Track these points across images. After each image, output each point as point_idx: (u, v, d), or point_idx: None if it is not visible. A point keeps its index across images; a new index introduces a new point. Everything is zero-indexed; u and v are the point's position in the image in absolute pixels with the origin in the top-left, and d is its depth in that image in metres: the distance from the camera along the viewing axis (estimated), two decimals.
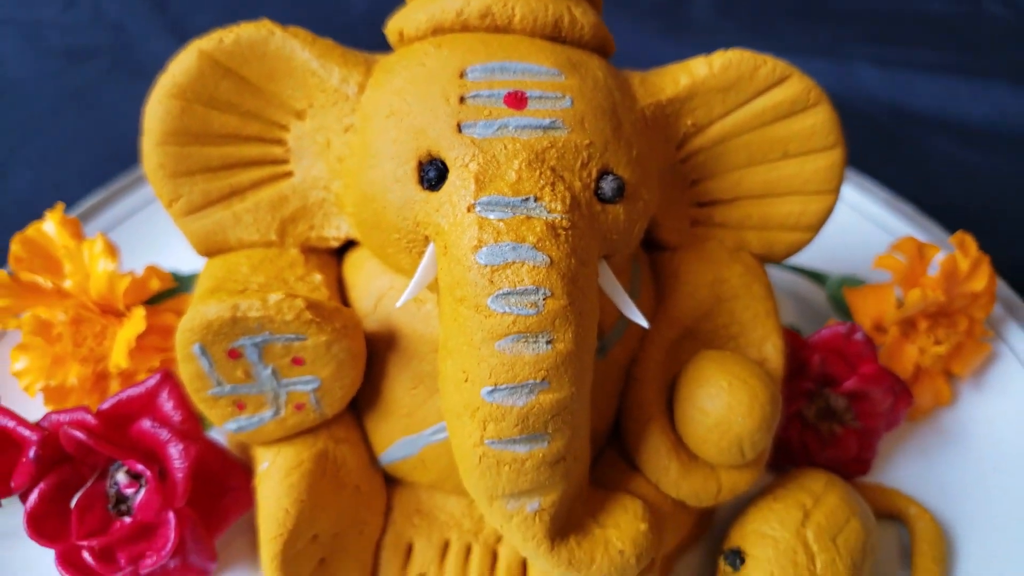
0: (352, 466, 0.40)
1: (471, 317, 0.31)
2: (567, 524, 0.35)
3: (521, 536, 0.34)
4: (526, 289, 0.31)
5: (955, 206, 0.50)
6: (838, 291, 0.53)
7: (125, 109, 0.78)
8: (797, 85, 0.40)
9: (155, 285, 0.45)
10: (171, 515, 0.37)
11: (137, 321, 0.43)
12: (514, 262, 0.31)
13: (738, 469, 0.39)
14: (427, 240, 0.34)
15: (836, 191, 0.42)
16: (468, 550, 0.42)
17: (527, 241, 0.31)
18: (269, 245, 0.40)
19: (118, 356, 0.43)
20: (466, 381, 0.32)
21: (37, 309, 0.46)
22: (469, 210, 0.32)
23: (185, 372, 0.36)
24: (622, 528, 0.35)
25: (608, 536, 0.35)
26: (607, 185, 0.34)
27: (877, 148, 0.75)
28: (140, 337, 0.43)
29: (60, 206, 0.47)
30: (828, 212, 0.43)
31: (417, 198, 0.34)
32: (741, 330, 0.42)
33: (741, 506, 0.43)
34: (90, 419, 0.38)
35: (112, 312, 0.45)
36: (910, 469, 0.48)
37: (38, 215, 0.48)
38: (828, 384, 0.46)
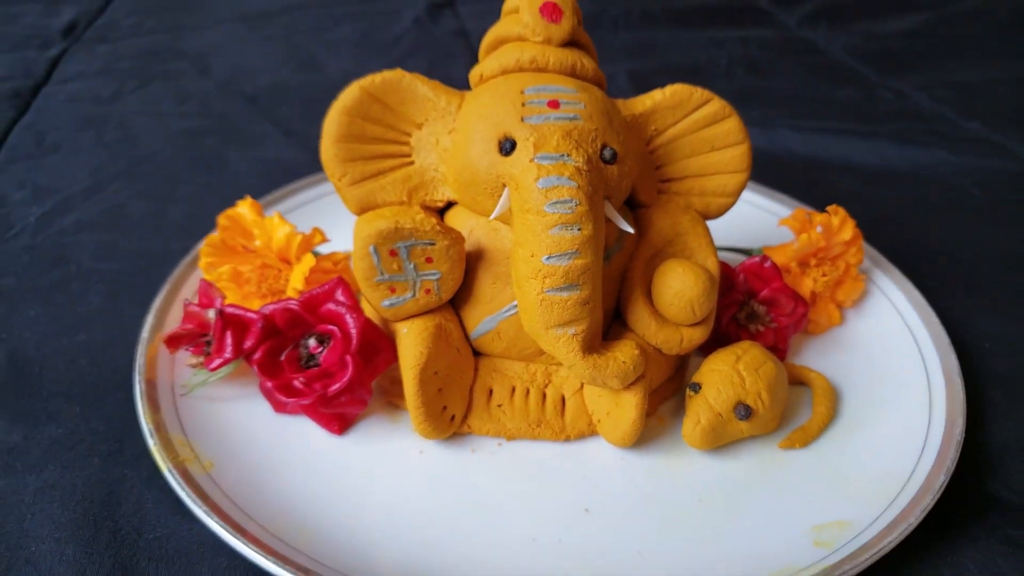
0: (455, 336, 0.63)
1: (534, 219, 0.56)
2: (591, 348, 0.58)
3: (565, 351, 0.57)
4: (566, 200, 0.55)
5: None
6: (759, 252, 0.78)
7: (238, 169, 1.05)
8: (716, 104, 0.66)
9: (318, 239, 0.69)
10: (349, 358, 0.60)
11: (309, 260, 0.67)
12: (558, 185, 0.56)
13: (693, 327, 0.63)
14: (503, 187, 0.59)
15: (747, 170, 0.67)
16: (527, 392, 0.65)
17: (564, 175, 0.56)
18: (401, 204, 0.64)
19: (296, 281, 0.67)
20: (532, 256, 0.56)
21: (233, 263, 0.70)
22: (530, 161, 0.57)
23: (359, 267, 0.59)
24: (623, 351, 0.59)
25: (615, 355, 0.58)
26: (607, 152, 0.59)
27: (796, 188, 1.02)
28: (309, 273, 0.67)
29: (248, 197, 0.72)
30: (743, 184, 0.68)
31: (498, 161, 0.59)
32: (691, 254, 0.66)
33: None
34: (295, 303, 0.61)
35: (287, 261, 0.69)
36: (812, 364, 0.72)
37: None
38: (752, 296, 0.70)
